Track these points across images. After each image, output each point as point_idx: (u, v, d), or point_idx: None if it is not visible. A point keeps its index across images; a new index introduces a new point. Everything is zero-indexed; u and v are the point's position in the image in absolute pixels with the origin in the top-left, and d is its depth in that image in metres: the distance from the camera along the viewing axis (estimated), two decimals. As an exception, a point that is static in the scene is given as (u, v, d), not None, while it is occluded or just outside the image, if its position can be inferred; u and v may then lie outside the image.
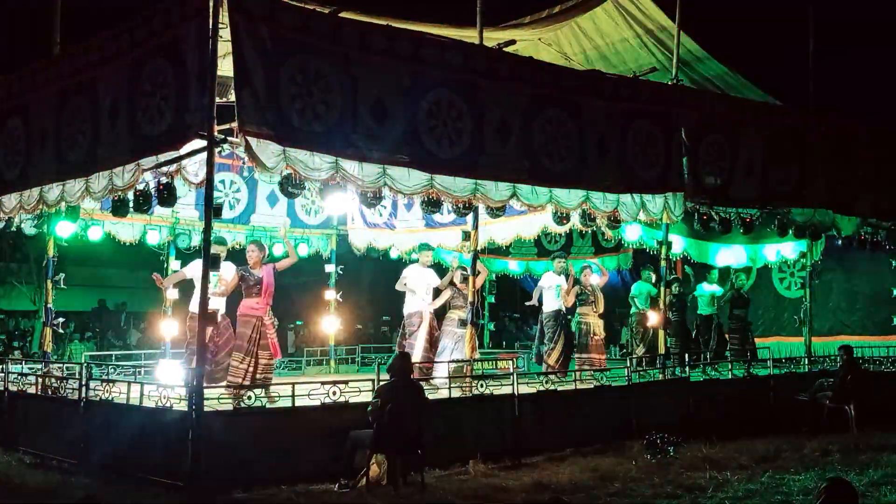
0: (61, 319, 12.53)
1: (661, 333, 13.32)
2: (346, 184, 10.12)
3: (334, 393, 10.03)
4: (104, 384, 10.58)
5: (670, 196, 12.64)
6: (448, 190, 10.74)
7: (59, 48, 12.00)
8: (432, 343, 12.97)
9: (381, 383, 9.81)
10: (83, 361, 11.27)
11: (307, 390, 10.04)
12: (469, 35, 11.59)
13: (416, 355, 12.60)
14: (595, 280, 14.39)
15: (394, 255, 16.88)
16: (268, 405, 9.92)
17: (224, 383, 11.00)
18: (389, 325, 25.05)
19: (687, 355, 13.75)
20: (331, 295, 16.57)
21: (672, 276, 15.53)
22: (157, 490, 9.14)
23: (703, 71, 15.04)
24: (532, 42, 14.58)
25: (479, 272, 12.07)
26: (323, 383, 10.15)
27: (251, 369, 11.25)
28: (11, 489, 9.48)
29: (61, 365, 12.48)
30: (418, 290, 13.23)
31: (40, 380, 11.62)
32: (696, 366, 13.97)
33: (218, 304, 11.74)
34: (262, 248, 11.84)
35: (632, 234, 14.85)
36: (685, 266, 16.21)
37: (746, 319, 16.28)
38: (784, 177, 13.99)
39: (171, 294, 14.33)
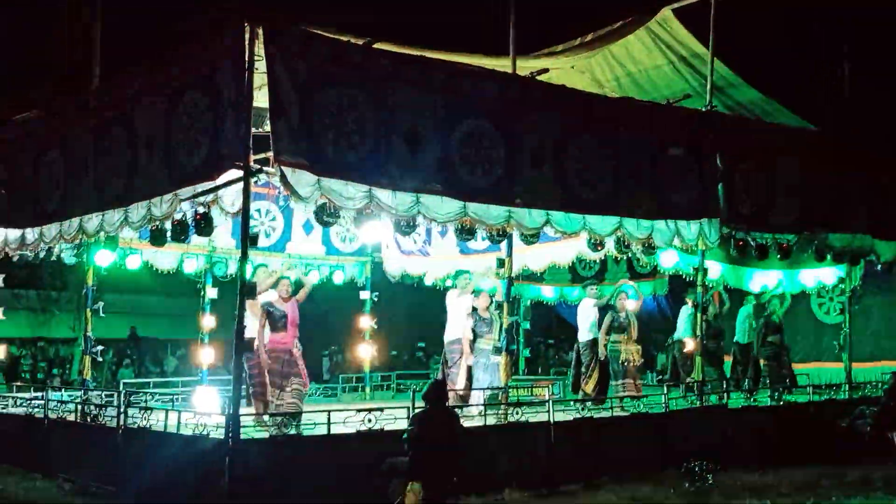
0: (100, 347, 12.66)
1: (698, 360, 13.20)
2: (380, 212, 10.19)
3: (370, 420, 10.06)
4: (142, 412, 10.69)
5: (705, 222, 12.58)
6: (481, 218, 10.76)
7: (97, 81, 12.19)
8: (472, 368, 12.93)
9: (417, 411, 9.80)
10: (121, 389, 11.37)
11: (343, 418, 10.07)
12: (502, 64, 11.65)
13: (459, 384, 12.59)
14: (631, 305, 14.28)
15: (428, 281, 16.91)
16: (303, 433, 9.98)
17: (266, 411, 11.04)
18: (424, 350, 25.07)
19: (725, 382, 13.59)
20: (366, 322, 16.61)
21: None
22: (194, 518, 9.20)
23: (738, 97, 14.97)
24: (565, 70, 14.60)
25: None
26: (358, 410, 10.18)
27: (282, 402, 11.25)
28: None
29: (100, 392, 12.60)
30: (457, 318, 13.20)
31: (79, 407, 11.77)
32: (735, 393, 13.83)
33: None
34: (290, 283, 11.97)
35: (668, 260, 14.77)
36: (721, 292, 16.05)
37: (782, 345, 16.10)
38: (821, 202, 13.87)
39: (208, 322, 14.49)
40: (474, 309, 13.11)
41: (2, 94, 14.26)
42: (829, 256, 14.62)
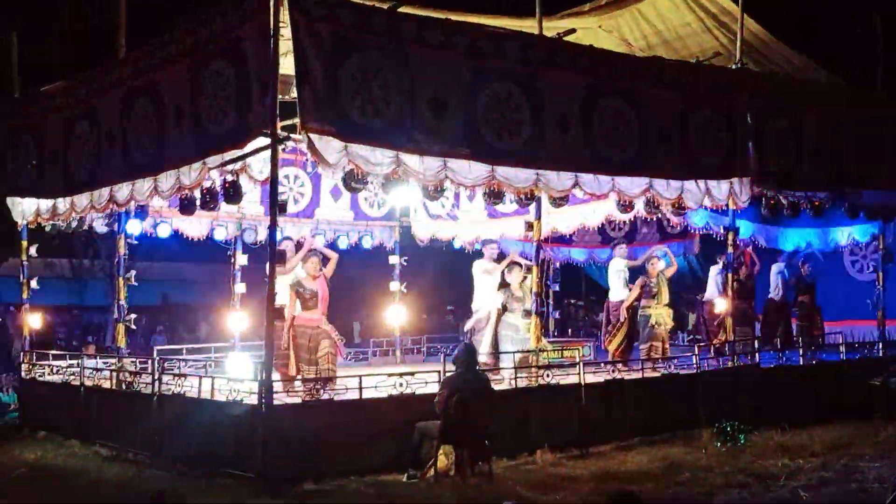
0: (133, 315, 12.80)
1: (728, 320, 13.13)
2: (408, 178, 10.18)
3: (401, 385, 10.12)
4: (176, 378, 10.81)
5: (736, 181, 12.47)
6: (509, 181, 10.73)
7: (123, 51, 12.21)
8: (498, 339, 12.86)
9: (447, 375, 9.87)
10: (155, 356, 11.51)
11: (374, 382, 10.14)
12: (528, 25, 11.54)
13: (482, 351, 12.59)
14: (661, 267, 14.20)
15: (457, 245, 16.92)
16: (335, 397, 10.06)
17: (299, 377, 11.09)
18: (454, 314, 25.10)
19: (756, 342, 13.52)
20: (395, 286, 16.66)
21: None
22: (229, 482, 9.35)
23: (768, 53, 14.75)
24: (592, 30, 14.41)
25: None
26: (390, 375, 10.24)
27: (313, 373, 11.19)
28: (89, 482, 9.76)
29: (135, 360, 12.77)
30: (483, 288, 13.17)
31: (114, 374, 11.92)
32: (766, 352, 13.77)
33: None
34: (321, 259, 11.82)
35: (698, 219, 14.67)
36: (752, 254, 15.92)
37: (814, 304, 15.99)
38: (853, 159, 13.71)
39: (239, 288, 14.60)
40: (507, 284, 12.94)
41: (29, 65, 14.27)
42: (861, 213, 14.48)
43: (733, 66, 12.81)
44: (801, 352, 13.82)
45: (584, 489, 8.94)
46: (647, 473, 9.64)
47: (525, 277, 12.65)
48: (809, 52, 15.41)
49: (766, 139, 12.73)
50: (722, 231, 13.76)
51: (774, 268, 16.34)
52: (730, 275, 13.20)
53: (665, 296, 13.87)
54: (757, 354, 13.20)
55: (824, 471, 9.57)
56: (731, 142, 12.42)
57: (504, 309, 12.74)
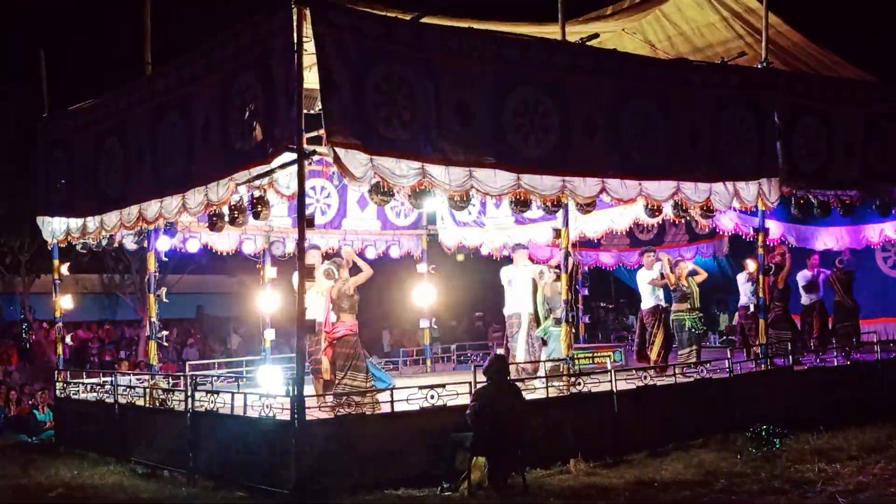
0: (165, 332, 12.84)
1: (761, 323, 13.02)
2: (434, 189, 10.16)
3: (432, 397, 10.09)
4: (209, 395, 10.84)
5: (765, 182, 12.38)
6: (535, 189, 10.68)
7: (150, 68, 12.28)
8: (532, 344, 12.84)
9: (479, 386, 9.82)
10: (187, 373, 11.53)
11: (406, 395, 10.12)
12: (551, 31, 11.48)
13: (519, 356, 12.56)
14: (689, 268, 14.10)
15: (484, 252, 16.89)
16: (369, 412, 10.05)
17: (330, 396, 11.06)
18: (482, 320, 25.07)
19: (790, 344, 13.41)
20: (424, 294, 16.61)
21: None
22: (263, 498, 9.34)
23: (795, 52, 14.63)
24: (616, 33, 14.37)
25: None
26: (420, 388, 10.21)
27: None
28: (127, 500, 9.78)
29: (167, 375, 12.80)
30: (516, 292, 13.14)
31: (148, 392, 11.97)
32: (800, 354, 13.63)
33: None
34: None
35: (727, 220, 14.55)
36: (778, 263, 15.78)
37: (852, 302, 15.82)
38: (885, 155, 13.58)
39: (269, 301, 14.60)
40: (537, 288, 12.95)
41: (58, 83, 14.37)
42: (894, 210, 14.31)
43: (759, 66, 12.70)
44: (835, 353, 13.68)
45: (620, 499, 8.86)
46: (683, 481, 9.54)
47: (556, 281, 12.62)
48: (837, 47, 15.25)
49: (795, 138, 12.65)
50: (751, 232, 13.64)
51: (800, 276, 16.19)
52: (761, 277, 13.07)
53: (696, 300, 13.77)
54: (790, 357, 13.06)
55: (862, 475, 9.43)
56: (759, 142, 12.34)
57: (537, 315, 12.74)
